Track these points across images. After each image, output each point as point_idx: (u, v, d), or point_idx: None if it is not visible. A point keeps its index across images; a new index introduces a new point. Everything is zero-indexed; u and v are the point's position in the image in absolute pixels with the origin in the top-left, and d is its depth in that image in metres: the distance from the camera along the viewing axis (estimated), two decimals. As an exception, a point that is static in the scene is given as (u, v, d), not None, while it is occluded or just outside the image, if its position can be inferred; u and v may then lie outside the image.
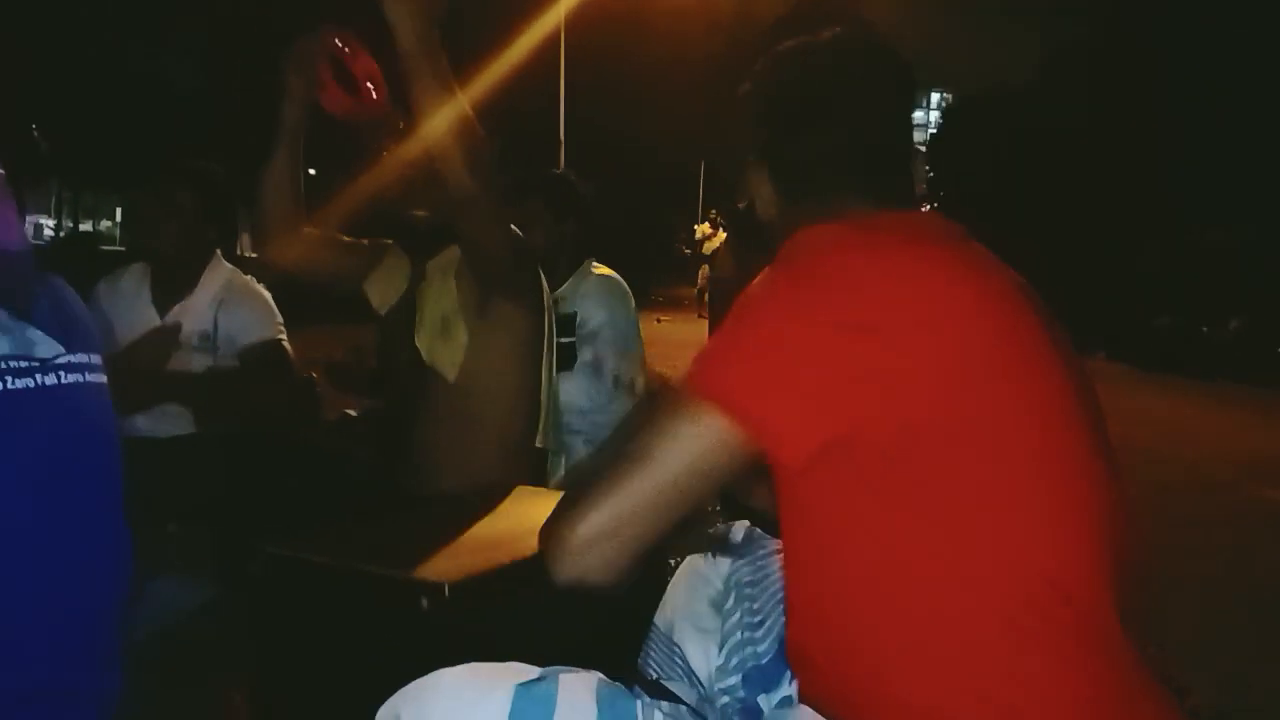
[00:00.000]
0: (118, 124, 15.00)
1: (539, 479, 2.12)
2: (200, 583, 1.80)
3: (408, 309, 2.04)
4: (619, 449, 0.98)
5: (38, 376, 1.08)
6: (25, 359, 1.06)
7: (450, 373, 1.91)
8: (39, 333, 1.09)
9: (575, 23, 15.12)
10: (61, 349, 1.10)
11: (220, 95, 15.78)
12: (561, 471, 2.35)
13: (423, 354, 1.95)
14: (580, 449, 2.56)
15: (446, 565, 1.20)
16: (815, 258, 1.00)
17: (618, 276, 2.91)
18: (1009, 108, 25.29)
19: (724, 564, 1.25)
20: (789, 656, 1.08)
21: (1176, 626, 2.97)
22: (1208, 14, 13.85)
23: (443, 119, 1.63)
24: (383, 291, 2.13)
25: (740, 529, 1.30)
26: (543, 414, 2.02)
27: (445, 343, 1.93)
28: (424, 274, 2.04)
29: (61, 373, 1.13)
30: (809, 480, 0.96)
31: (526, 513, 1.42)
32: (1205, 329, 11.75)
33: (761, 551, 1.26)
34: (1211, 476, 6.18)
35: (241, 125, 15.20)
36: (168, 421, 2.40)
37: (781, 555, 1.24)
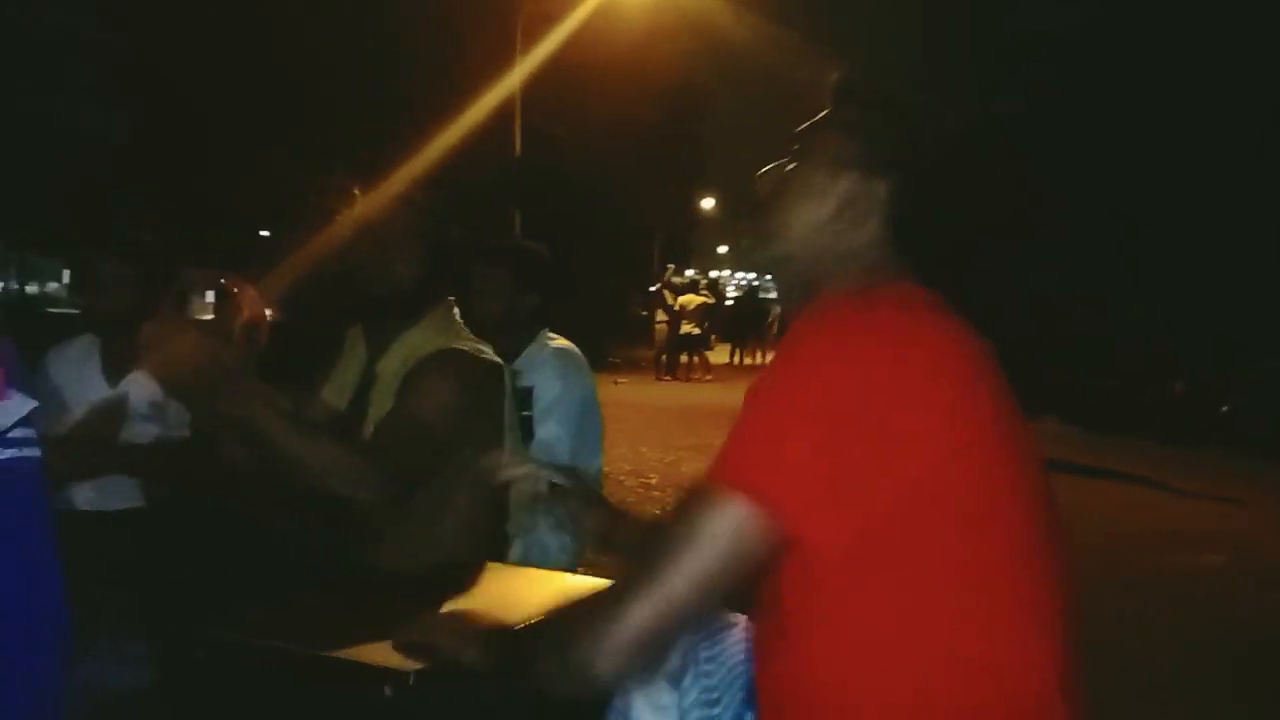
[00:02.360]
0: (55, 182, 14.81)
1: (497, 556, 2.09)
2: (135, 660, 1.74)
3: (359, 409, 1.96)
4: (650, 547, 0.98)
5: None
6: None
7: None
8: None
9: (529, 88, 15.32)
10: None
11: (152, 146, 15.64)
12: (519, 551, 2.32)
13: None
14: (543, 529, 2.53)
15: (415, 652, 1.17)
16: (839, 346, 0.99)
17: (574, 348, 2.89)
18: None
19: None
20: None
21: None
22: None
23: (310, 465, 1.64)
24: (339, 391, 2.06)
25: None
26: (511, 500, 1.98)
27: None
28: (374, 376, 1.96)
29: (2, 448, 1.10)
30: (839, 569, 0.96)
31: (489, 591, 1.39)
32: (1148, 391, 12.05)
33: (716, 625, 1.25)
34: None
35: (171, 174, 15.08)
36: (118, 495, 2.35)
37: (736, 626, 1.24)
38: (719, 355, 18.80)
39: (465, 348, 1.92)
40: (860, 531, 0.94)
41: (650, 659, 0.97)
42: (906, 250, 1.13)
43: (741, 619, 1.28)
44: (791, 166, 1.17)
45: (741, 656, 1.21)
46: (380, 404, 1.90)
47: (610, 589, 0.98)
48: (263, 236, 17.15)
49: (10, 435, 1.13)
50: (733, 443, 0.99)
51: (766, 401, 0.99)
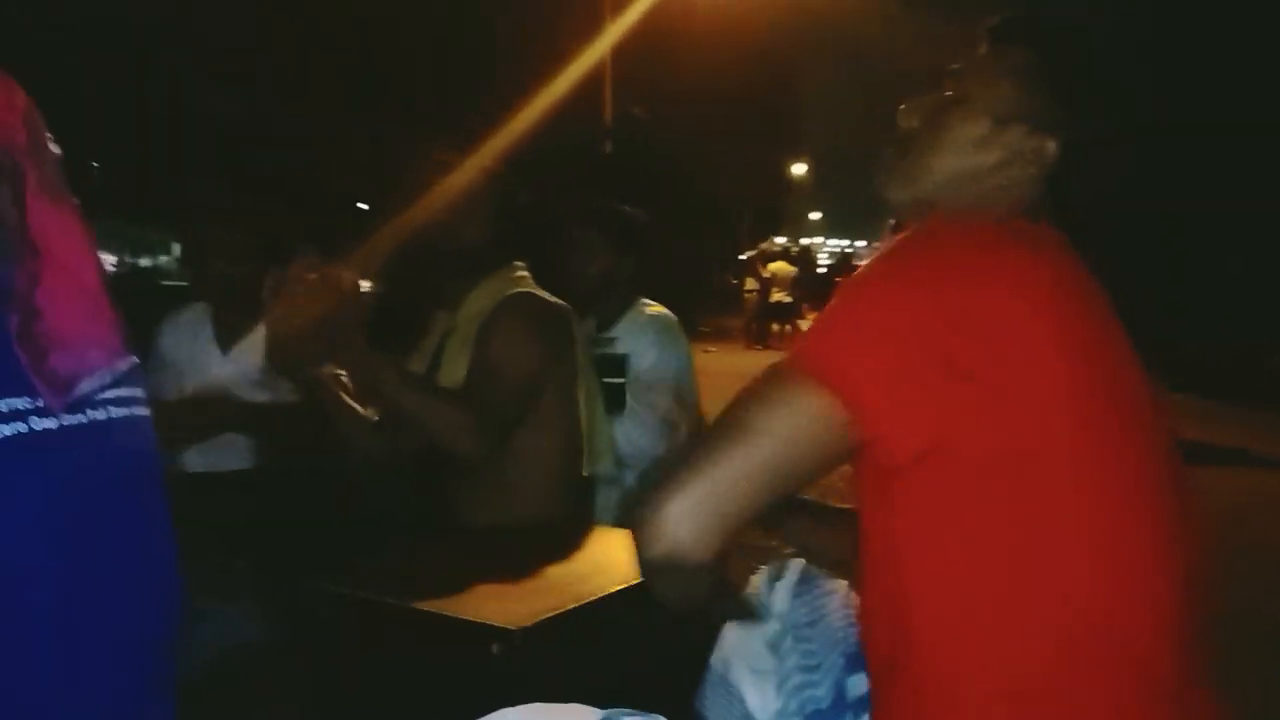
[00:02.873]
0: (170, 158, 15.40)
1: (588, 511, 2.11)
2: (251, 618, 1.81)
3: (436, 362, 2.04)
4: (717, 420, 0.95)
5: (89, 412, 1.11)
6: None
7: None
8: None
9: (618, 55, 15.29)
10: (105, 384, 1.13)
11: (264, 127, 16.15)
12: (613, 504, 2.34)
13: None
14: (628, 481, 2.54)
15: (515, 608, 1.19)
16: (940, 251, 0.96)
17: (670, 315, 2.88)
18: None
19: (779, 602, 1.22)
20: (867, 655, 1.07)
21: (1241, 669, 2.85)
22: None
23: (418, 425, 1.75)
24: (421, 361, 2.13)
25: (796, 566, 1.27)
26: (585, 441, 2.01)
27: None
28: (455, 325, 2.03)
29: (110, 407, 1.15)
30: (904, 478, 0.94)
31: (587, 550, 1.41)
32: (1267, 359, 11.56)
33: (817, 591, 1.24)
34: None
35: (284, 156, 15.54)
36: (227, 456, 2.43)
37: (837, 593, 1.23)
38: (808, 324, 18.56)
39: (534, 290, 1.99)
40: (942, 439, 0.91)
41: (709, 539, 0.92)
42: (1052, 211, 1.08)
43: (842, 585, 1.26)
44: (952, 106, 1.11)
45: (843, 623, 1.19)
46: (454, 351, 1.96)
47: (671, 466, 0.95)
48: (359, 209, 17.54)
49: (121, 394, 1.18)
50: (816, 331, 0.97)
51: (857, 295, 0.97)
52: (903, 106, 1.15)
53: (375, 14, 14.78)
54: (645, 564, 0.93)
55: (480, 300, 1.99)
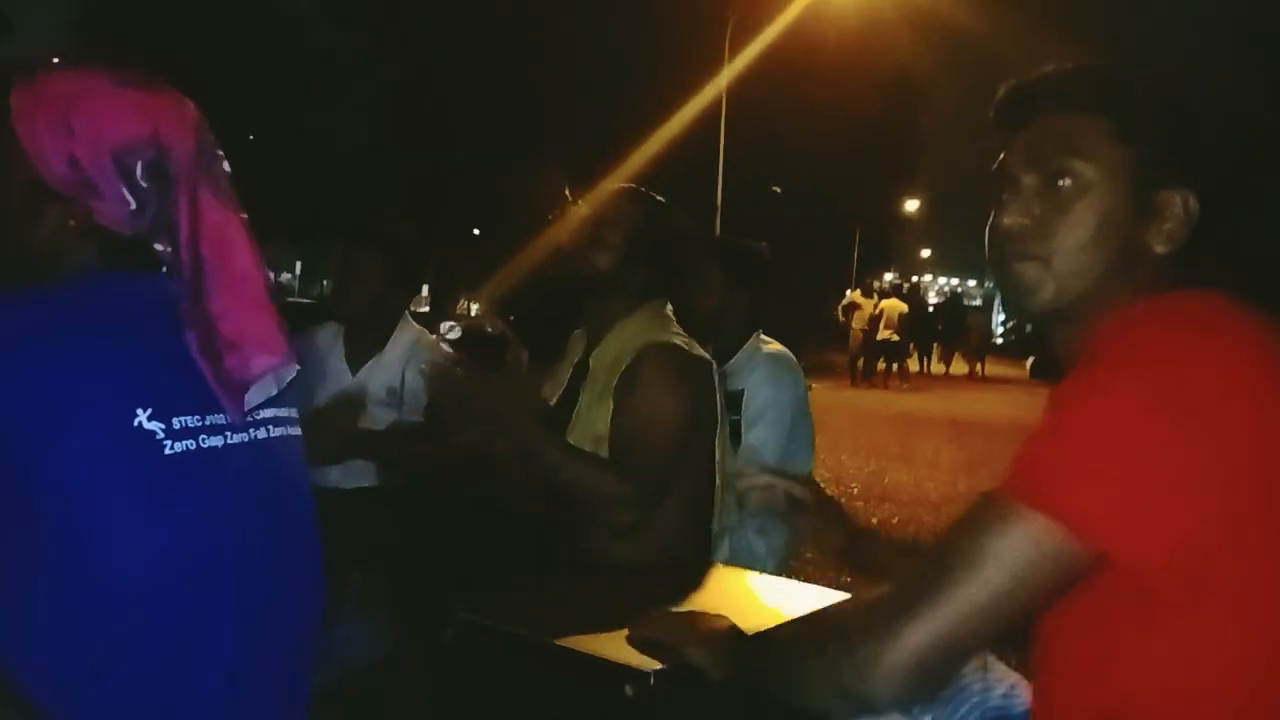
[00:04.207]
0: (295, 177, 16.01)
1: (709, 553, 2.09)
2: (380, 633, 1.84)
3: (568, 404, 2.03)
4: (937, 560, 0.93)
5: (251, 431, 1.16)
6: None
7: None
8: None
9: (734, 86, 15.35)
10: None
11: (394, 151, 16.69)
12: (726, 551, 2.31)
13: None
14: (749, 533, 2.52)
15: (649, 650, 1.18)
16: (1162, 349, 0.92)
17: (787, 353, 2.84)
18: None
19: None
20: None
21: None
22: None
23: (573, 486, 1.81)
24: (555, 388, 2.14)
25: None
26: (719, 494, 1.99)
27: (596, 450, 1.92)
28: (586, 368, 2.02)
29: (270, 426, 1.20)
30: (1150, 590, 0.90)
31: (717, 592, 1.39)
32: None
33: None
34: None
35: (416, 181, 16.04)
36: (353, 474, 2.50)
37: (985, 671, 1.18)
38: (909, 363, 18.16)
39: (677, 341, 1.95)
40: (1177, 548, 0.87)
41: (928, 684, 0.92)
42: (1201, 260, 1.04)
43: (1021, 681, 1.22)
44: (1067, 182, 1.04)
45: (977, 689, 1.16)
46: (591, 396, 1.95)
47: (886, 604, 0.93)
48: (474, 235, 17.96)
49: (279, 414, 1.23)
50: (1033, 454, 0.92)
51: (1072, 412, 0.92)
52: (1012, 205, 1.07)
53: (501, 45, 15.17)
54: (874, 699, 0.92)
55: (618, 343, 1.97)
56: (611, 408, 1.89)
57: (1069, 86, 1.07)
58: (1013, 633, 0.95)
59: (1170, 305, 0.98)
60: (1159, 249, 1.03)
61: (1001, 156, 1.10)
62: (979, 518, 0.92)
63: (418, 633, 1.56)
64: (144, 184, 1.11)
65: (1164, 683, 0.91)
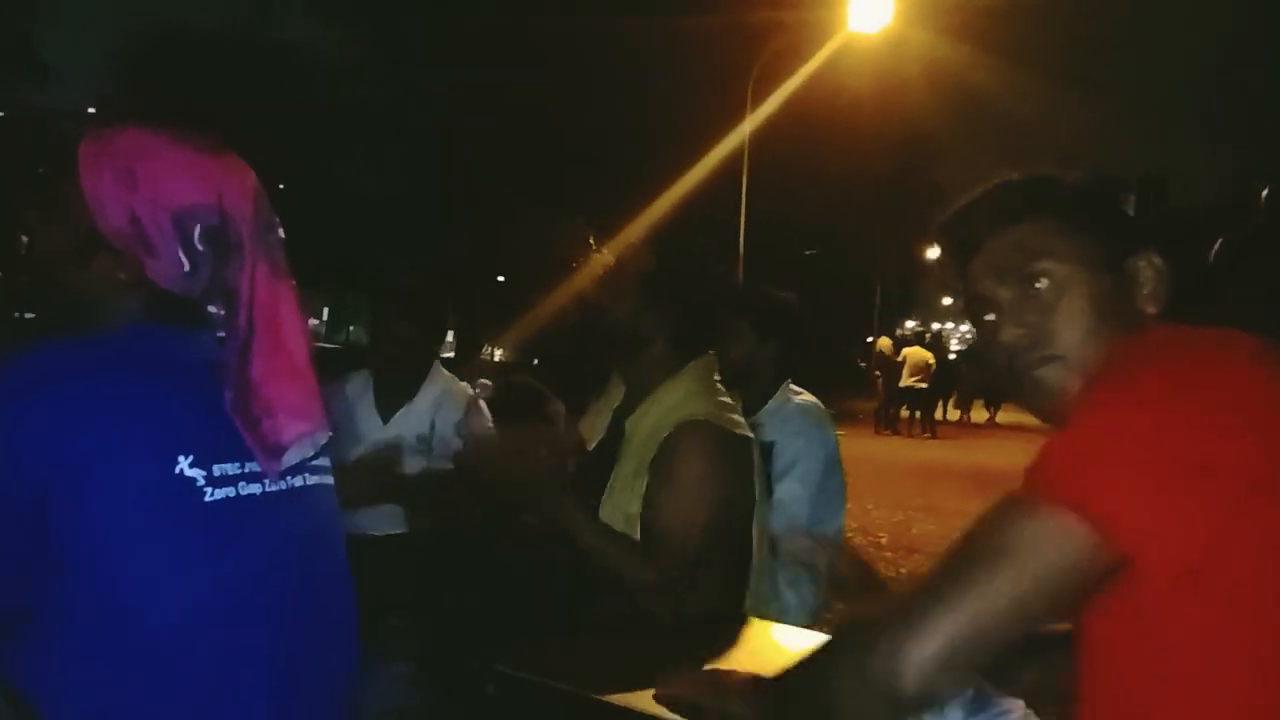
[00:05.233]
0: (324, 226, 16.26)
1: (736, 609, 2.08)
2: (412, 683, 1.83)
3: (603, 462, 1.98)
4: (958, 555, 0.93)
5: (289, 479, 1.18)
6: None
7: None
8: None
9: (759, 134, 15.49)
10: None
11: (422, 199, 16.90)
12: (754, 605, 2.30)
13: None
14: (781, 584, 2.50)
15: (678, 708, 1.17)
16: (1173, 359, 0.96)
17: (818, 404, 2.82)
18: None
19: None
20: None
21: None
22: None
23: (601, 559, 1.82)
24: (592, 429, 2.12)
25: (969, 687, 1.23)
26: (752, 577, 1.96)
27: (628, 530, 1.88)
28: (624, 431, 1.96)
29: (306, 474, 1.22)
30: (1164, 600, 0.90)
31: (761, 649, 1.38)
32: None
33: (993, 710, 1.19)
34: None
35: (437, 231, 16.21)
36: (383, 519, 2.51)
37: (1014, 712, 1.18)
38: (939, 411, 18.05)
39: (718, 421, 1.89)
40: (1194, 559, 0.88)
41: (956, 674, 0.91)
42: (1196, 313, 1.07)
43: (1019, 704, 1.21)
44: (1044, 283, 1.08)
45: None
46: (627, 476, 1.90)
47: (911, 601, 0.92)
48: (499, 282, 18.10)
49: (316, 463, 1.24)
50: (1058, 456, 0.93)
51: (1095, 413, 0.94)
52: (1004, 322, 1.10)
53: (523, 97, 15.37)
54: (898, 696, 0.91)
55: (657, 413, 1.91)
56: (645, 485, 1.84)
57: (1006, 203, 1.13)
58: (1038, 630, 0.95)
59: (1183, 327, 1.02)
60: (1150, 310, 1.09)
61: (967, 287, 1.15)
62: (1003, 513, 0.93)
63: (453, 684, 1.55)
64: (200, 247, 1.13)
65: (1188, 682, 0.91)
